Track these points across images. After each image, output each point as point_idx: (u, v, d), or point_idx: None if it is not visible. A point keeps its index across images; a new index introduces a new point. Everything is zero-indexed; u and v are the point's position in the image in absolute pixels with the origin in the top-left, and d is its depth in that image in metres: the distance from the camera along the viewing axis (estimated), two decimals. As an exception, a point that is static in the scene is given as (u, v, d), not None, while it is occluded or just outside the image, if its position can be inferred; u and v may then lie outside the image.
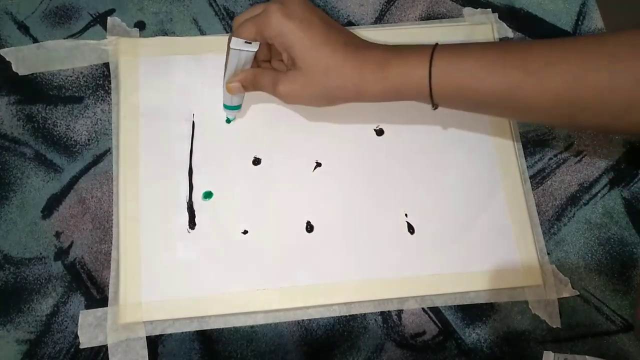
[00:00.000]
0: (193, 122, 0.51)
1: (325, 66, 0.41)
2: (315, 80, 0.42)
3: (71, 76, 0.52)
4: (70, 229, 0.48)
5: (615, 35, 0.38)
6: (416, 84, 0.41)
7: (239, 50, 0.42)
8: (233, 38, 0.43)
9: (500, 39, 0.56)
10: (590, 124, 0.40)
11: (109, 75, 0.52)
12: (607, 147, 0.53)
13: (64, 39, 0.53)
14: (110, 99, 0.51)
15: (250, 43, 0.43)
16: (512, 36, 0.56)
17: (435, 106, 0.42)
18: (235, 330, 0.46)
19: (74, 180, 0.49)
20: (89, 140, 0.50)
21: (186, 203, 0.48)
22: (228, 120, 0.51)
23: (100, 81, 0.52)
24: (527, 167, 0.52)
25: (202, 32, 0.55)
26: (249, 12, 0.44)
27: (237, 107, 0.49)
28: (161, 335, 0.45)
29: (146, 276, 0.46)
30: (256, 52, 0.43)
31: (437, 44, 0.41)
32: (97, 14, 0.54)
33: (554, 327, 0.47)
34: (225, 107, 0.48)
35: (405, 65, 0.40)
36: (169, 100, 0.51)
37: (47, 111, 0.51)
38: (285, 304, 0.46)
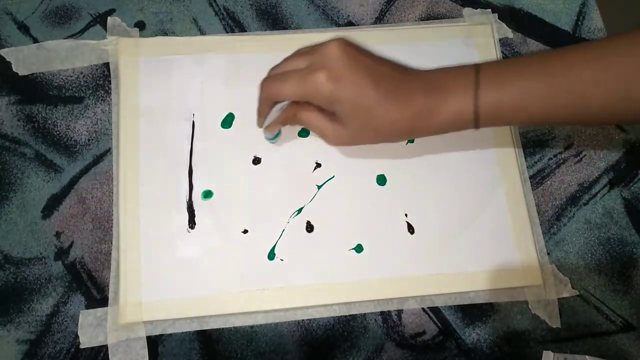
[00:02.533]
0: (193, 122, 0.51)
1: (376, 127, 0.42)
2: (366, 135, 0.43)
3: (71, 76, 0.52)
4: (71, 229, 0.48)
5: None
6: (463, 124, 0.42)
7: (282, 106, 0.43)
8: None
9: (500, 39, 0.56)
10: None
11: (109, 75, 0.52)
12: (607, 147, 0.53)
13: (64, 39, 0.53)
14: (110, 99, 0.51)
15: None
16: (511, 36, 0.56)
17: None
18: (235, 330, 0.46)
19: (74, 180, 0.49)
20: (89, 140, 0.50)
21: (186, 203, 0.48)
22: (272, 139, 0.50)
23: (100, 81, 0.52)
24: (527, 167, 0.52)
25: (202, 32, 0.55)
26: (285, 66, 0.43)
27: (278, 134, 0.49)
28: (161, 335, 0.46)
29: (146, 276, 0.46)
30: None
31: (478, 73, 0.41)
32: (97, 14, 0.54)
33: (554, 327, 0.47)
34: (268, 139, 0.50)
35: (451, 112, 0.41)
36: (169, 100, 0.51)
37: (47, 111, 0.51)
38: (285, 304, 0.46)
